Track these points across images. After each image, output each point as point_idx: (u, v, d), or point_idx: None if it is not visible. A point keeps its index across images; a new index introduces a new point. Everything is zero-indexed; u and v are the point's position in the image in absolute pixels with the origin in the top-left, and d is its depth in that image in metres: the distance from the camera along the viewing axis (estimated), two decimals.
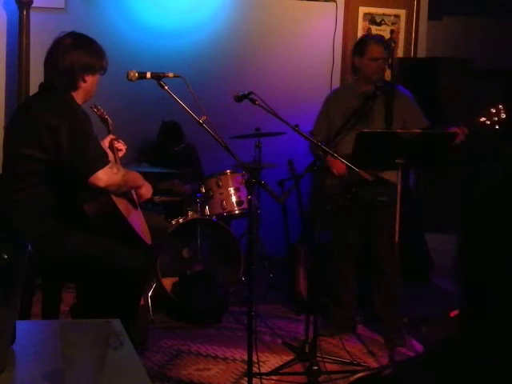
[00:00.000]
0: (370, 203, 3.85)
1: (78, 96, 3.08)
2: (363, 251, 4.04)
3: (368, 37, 4.29)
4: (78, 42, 3.08)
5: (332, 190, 3.85)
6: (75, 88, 3.06)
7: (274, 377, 3.39)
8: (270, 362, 3.58)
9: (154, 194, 4.33)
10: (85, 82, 3.08)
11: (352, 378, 0.91)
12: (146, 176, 3.39)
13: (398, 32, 5.70)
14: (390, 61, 4.01)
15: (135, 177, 3.18)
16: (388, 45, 4.03)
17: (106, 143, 3.38)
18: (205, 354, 3.69)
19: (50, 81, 3.08)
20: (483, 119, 3.50)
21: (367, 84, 3.89)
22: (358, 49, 3.96)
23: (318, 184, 3.88)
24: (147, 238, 3.17)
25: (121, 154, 3.45)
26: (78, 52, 3.05)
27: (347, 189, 3.78)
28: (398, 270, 3.83)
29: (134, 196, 3.28)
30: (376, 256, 3.91)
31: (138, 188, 3.20)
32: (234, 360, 3.62)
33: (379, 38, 4.16)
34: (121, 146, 3.45)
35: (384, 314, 3.89)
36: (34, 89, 4.27)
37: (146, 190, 3.23)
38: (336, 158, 3.25)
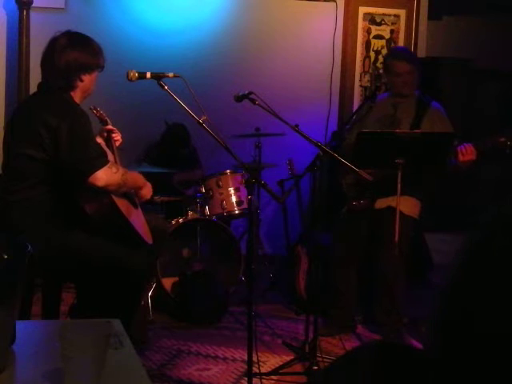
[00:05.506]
0: (382, 212, 3.78)
1: (76, 95, 3.07)
2: (367, 255, 4.01)
3: (390, 55, 4.24)
4: (74, 42, 3.05)
5: (348, 191, 3.84)
6: (72, 88, 3.04)
7: (273, 377, 3.39)
8: (269, 361, 3.58)
9: (161, 191, 4.34)
10: (82, 81, 3.05)
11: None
12: (150, 175, 3.37)
13: (398, 32, 5.70)
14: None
15: (136, 177, 3.16)
16: (412, 57, 4.08)
17: (102, 141, 3.34)
18: (205, 354, 3.69)
19: (46, 81, 3.07)
20: (503, 139, 3.45)
21: (400, 97, 3.93)
22: (385, 68, 4.04)
23: (337, 182, 3.88)
24: (148, 237, 3.17)
25: (117, 143, 3.40)
26: (73, 52, 3.02)
27: (362, 194, 3.77)
28: (404, 281, 3.81)
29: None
30: (382, 267, 3.80)
31: (138, 189, 3.19)
32: (234, 360, 3.61)
33: (400, 53, 4.14)
34: (118, 136, 3.42)
35: (384, 320, 3.88)
36: (33, 88, 4.24)
37: (147, 191, 3.21)
38: (338, 159, 3.24)
